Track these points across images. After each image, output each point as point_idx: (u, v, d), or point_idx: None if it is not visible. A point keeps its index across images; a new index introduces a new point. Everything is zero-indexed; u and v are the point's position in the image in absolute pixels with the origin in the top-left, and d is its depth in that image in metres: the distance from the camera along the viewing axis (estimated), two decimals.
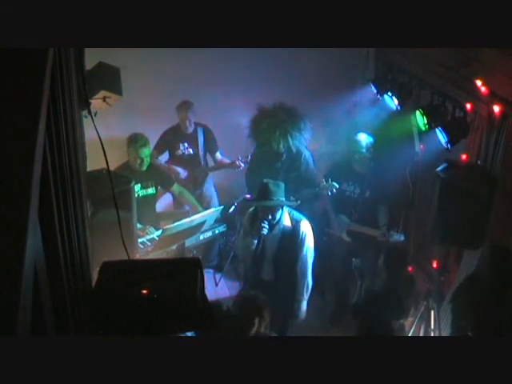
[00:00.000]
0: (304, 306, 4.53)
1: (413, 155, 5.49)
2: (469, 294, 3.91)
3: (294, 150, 5.15)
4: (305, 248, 4.38)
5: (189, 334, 2.97)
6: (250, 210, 4.55)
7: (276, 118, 5.02)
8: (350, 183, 5.18)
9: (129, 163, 5.05)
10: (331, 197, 5.21)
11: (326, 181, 5.13)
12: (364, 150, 5.11)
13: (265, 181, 4.34)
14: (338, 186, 5.23)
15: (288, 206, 4.41)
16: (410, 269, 4.87)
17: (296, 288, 4.47)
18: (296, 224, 4.36)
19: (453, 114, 4.59)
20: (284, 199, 4.31)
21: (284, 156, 5.19)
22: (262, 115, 5.09)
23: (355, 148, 5.12)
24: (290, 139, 5.04)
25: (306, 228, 4.38)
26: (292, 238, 4.36)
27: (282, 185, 4.32)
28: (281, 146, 5.04)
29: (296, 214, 4.41)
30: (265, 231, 4.28)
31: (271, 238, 4.37)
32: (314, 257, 4.50)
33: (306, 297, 4.50)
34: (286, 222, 4.36)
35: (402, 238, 4.94)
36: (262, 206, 4.30)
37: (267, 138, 5.02)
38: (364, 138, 5.14)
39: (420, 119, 4.68)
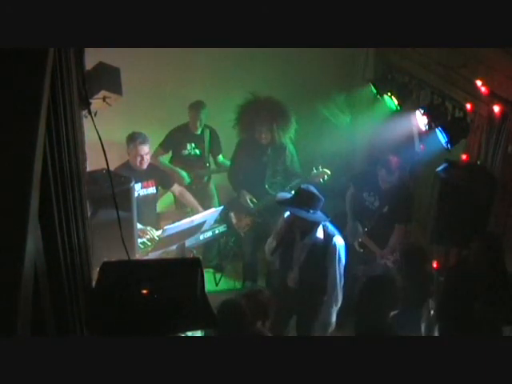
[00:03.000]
0: (333, 318, 4.45)
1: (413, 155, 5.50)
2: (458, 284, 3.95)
3: (278, 141, 5.18)
4: (336, 263, 4.25)
5: (189, 333, 2.97)
6: (286, 216, 4.43)
7: (264, 107, 5.08)
8: (371, 194, 5.04)
9: (129, 162, 5.05)
10: (352, 201, 5.19)
11: (316, 168, 5.11)
12: (390, 173, 4.86)
13: (303, 187, 4.22)
14: (329, 172, 5.20)
15: (324, 222, 4.27)
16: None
17: (324, 301, 4.40)
18: (329, 238, 4.24)
19: (453, 114, 4.59)
20: (321, 214, 4.18)
21: (269, 150, 5.20)
22: (253, 102, 5.15)
23: (383, 167, 4.89)
24: (274, 126, 5.07)
25: (338, 243, 4.25)
26: (323, 251, 4.25)
27: (322, 200, 4.17)
28: (263, 135, 5.09)
29: (330, 228, 4.28)
30: (297, 240, 4.25)
31: (301, 246, 4.30)
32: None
33: (335, 309, 4.42)
34: (319, 233, 4.25)
35: (392, 265, 4.87)
36: (297, 215, 4.17)
37: (252, 122, 5.07)
38: (395, 161, 4.89)
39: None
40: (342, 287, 4.37)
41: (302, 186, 4.27)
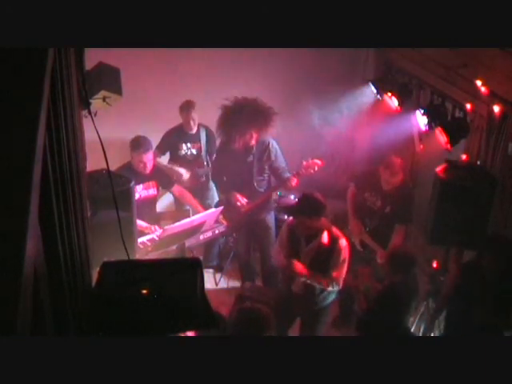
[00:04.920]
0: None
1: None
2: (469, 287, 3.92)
3: (261, 139, 5.18)
4: (340, 265, 4.24)
5: (189, 333, 2.96)
6: (287, 234, 4.45)
7: (242, 109, 5.04)
8: (372, 194, 5.06)
9: (131, 165, 5.05)
10: (353, 200, 5.20)
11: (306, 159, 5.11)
12: (394, 174, 4.88)
13: (307, 194, 4.21)
14: (320, 162, 5.18)
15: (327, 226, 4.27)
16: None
17: (326, 306, 4.42)
18: (334, 241, 4.23)
19: (453, 114, 4.59)
20: (325, 221, 4.18)
21: (254, 149, 5.20)
22: (233, 104, 5.10)
23: (386, 168, 4.89)
24: (256, 126, 5.05)
25: (343, 246, 4.24)
26: (328, 254, 4.24)
27: (325, 206, 4.18)
28: (247, 136, 5.06)
29: (335, 233, 4.27)
30: (302, 246, 4.25)
31: (306, 252, 4.30)
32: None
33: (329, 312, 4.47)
34: (324, 237, 4.25)
35: None
36: (303, 222, 4.19)
37: (232, 125, 5.02)
38: (398, 163, 4.90)
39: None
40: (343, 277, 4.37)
41: (306, 193, 4.26)
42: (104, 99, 3.53)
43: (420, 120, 4.71)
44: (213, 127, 5.98)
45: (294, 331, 4.72)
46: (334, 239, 4.25)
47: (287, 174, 5.30)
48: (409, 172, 5.66)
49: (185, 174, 5.82)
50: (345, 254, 4.25)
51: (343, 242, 4.26)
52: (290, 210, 4.47)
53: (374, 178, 5.02)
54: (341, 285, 4.36)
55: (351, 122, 6.28)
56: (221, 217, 5.28)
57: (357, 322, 4.49)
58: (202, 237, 5.17)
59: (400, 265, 4.20)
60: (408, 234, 5.46)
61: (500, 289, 3.72)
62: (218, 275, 6.01)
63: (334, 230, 4.31)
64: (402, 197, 4.94)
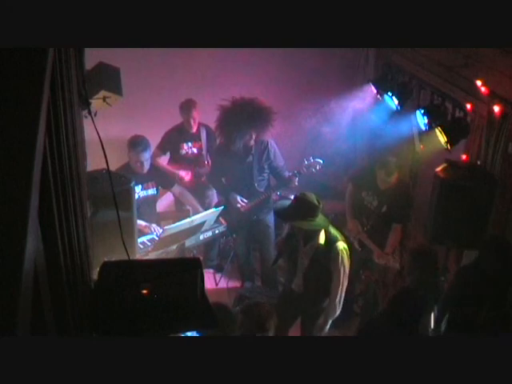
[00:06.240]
0: (328, 326, 4.44)
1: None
2: (467, 289, 3.92)
3: (259, 139, 5.19)
4: (338, 269, 4.23)
5: (189, 333, 2.97)
6: (287, 231, 4.47)
7: (242, 109, 5.02)
8: (369, 193, 5.06)
9: (130, 165, 5.06)
10: (351, 199, 5.21)
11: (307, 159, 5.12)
12: (389, 174, 4.90)
13: (300, 196, 4.20)
14: (321, 161, 5.22)
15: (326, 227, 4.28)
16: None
17: (325, 306, 4.42)
18: (331, 244, 4.22)
19: (453, 114, 4.59)
20: (320, 221, 4.19)
21: (253, 149, 5.20)
22: (232, 104, 5.08)
23: (381, 168, 4.92)
24: (255, 127, 5.04)
25: (341, 249, 4.22)
26: (326, 256, 4.23)
27: (320, 206, 4.17)
28: (247, 136, 5.05)
29: (332, 234, 4.25)
30: (301, 245, 4.27)
31: (304, 252, 4.31)
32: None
33: (332, 318, 4.42)
34: (321, 239, 4.24)
35: (398, 266, 4.91)
36: (298, 226, 4.20)
37: (231, 126, 5.02)
38: (393, 162, 4.92)
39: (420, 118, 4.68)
40: (343, 294, 4.35)
41: (299, 195, 4.24)
42: (104, 99, 3.54)
43: (420, 120, 4.71)
44: (213, 126, 5.99)
45: (294, 331, 4.73)
46: (331, 240, 4.24)
47: (286, 173, 5.30)
48: (408, 172, 5.66)
49: (185, 176, 5.81)
50: (342, 256, 4.23)
51: (340, 246, 4.24)
52: (283, 214, 4.42)
53: (370, 178, 5.03)
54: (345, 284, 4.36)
55: (351, 122, 6.28)
56: (220, 217, 5.28)
57: (373, 320, 4.41)
58: (202, 237, 5.18)
59: (423, 263, 4.20)
60: (406, 233, 5.47)
61: (499, 289, 3.72)
62: (218, 275, 6.02)
63: (333, 230, 4.30)
64: (398, 196, 4.95)
